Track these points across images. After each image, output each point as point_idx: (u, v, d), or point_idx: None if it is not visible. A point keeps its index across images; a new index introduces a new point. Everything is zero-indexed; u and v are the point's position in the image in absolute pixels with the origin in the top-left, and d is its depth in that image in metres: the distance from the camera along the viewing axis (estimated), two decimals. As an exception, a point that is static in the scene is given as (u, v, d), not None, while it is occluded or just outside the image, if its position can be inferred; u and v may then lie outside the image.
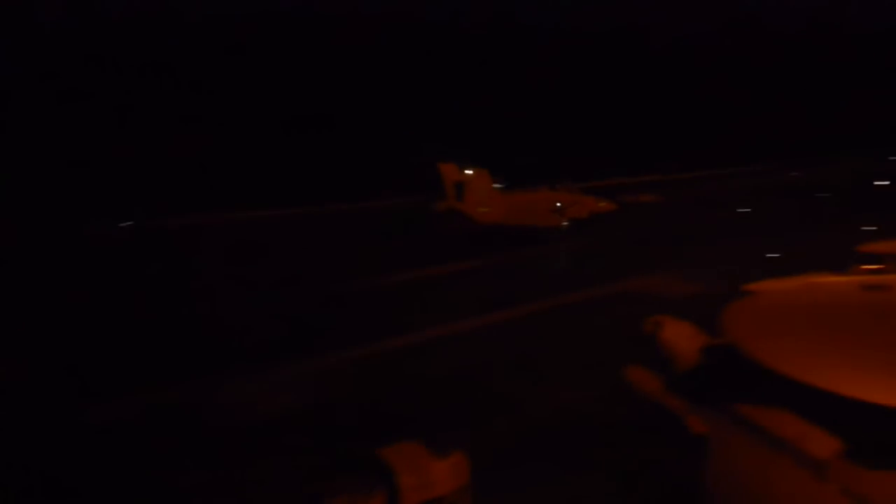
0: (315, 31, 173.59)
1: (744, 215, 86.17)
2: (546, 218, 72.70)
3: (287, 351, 42.16)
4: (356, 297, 52.95)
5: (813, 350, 20.41)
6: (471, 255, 64.14)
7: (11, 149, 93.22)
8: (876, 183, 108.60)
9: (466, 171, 70.85)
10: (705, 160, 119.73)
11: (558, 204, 74.52)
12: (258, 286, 55.65)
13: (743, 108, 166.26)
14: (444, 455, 24.40)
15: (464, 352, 42.21)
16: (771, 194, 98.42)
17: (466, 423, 31.93)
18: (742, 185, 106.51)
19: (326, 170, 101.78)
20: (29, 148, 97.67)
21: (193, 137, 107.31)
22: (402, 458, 24.13)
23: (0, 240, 64.54)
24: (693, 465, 22.77)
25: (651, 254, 66.05)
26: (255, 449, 31.25)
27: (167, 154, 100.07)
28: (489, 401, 35.14)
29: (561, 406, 33.90)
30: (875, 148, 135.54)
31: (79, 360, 41.17)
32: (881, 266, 46.03)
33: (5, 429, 32.02)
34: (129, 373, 39.07)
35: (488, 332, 46.07)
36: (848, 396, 18.03)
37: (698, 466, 22.59)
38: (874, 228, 66.33)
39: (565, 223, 73.70)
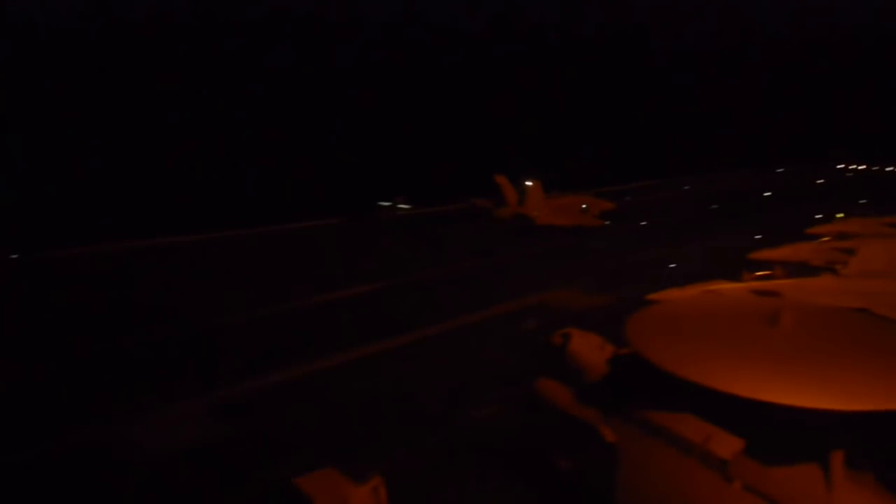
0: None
1: (644, 227, 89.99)
2: (583, 218, 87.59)
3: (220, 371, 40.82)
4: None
5: (712, 355, 21.36)
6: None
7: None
8: (765, 194, 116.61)
9: (527, 182, 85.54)
10: (599, 179, 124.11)
11: (584, 206, 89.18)
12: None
13: (632, 126, 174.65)
14: (362, 481, 24.08)
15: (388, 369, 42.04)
16: (667, 208, 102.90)
17: (383, 446, 31.63)
18: (637, 201, 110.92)
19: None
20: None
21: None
22: (319, 487, 23.64)
23: None
24: (607, 473, 23.35)
25: (557, 267, 67.71)
26: (166, 483, 29.93)
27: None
28: (409, 420, 34.97)
29: (478, 423, 34.10)
30: (761, 161, 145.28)
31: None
32: (770, 272, 49.23)
33: None
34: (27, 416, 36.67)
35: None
36: (745, 397, 18.94)
37: (612, 474, 23.18)
38: (760, 237, 71.08)
39: (607, 221, 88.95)
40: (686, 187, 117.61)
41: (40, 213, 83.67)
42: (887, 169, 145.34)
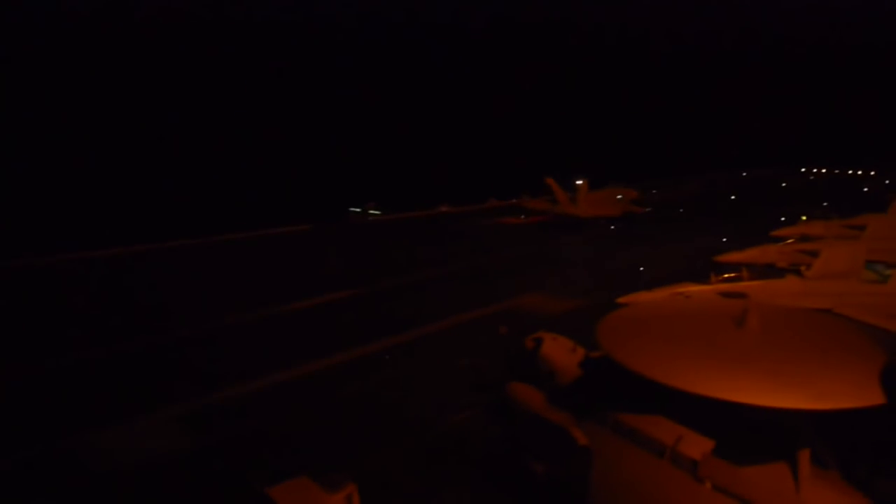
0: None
1: (612, 231, 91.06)
2: (627, 206, 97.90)
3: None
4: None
5: (680, 356, 21.62)
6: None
7: None
8: (732, 197, 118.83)
9: (577, 182, 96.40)
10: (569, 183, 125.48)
11: (619, 196, 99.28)
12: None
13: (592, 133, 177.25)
14: (335, 489, 23.88)
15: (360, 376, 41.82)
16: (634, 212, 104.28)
17: (359, 452, 31.45)
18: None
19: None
20: None
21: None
22: (292, 496, 23.38)
23: None
24: (580, 476, 23.48)
25: (529, 272, 68.05)
26: (135, 495, 29.43)
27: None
28: (380, 427, 34.82)
29: (454, 427, 34.08)
30: (726, 164, 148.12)
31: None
32: (736, 274, 50.08)
33: None
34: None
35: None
36: (713, 398, 19.20)
37: (585, 476, 23.32)
38: (726, 239, 72.28)
39: (648, 208, 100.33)
40: (654, 191, 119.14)
41: (14, 220, 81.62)
42: (849, 172, 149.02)
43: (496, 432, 29.22)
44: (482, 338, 47.12)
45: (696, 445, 20.54)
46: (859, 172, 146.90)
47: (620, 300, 44.84)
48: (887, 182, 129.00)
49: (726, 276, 49.51)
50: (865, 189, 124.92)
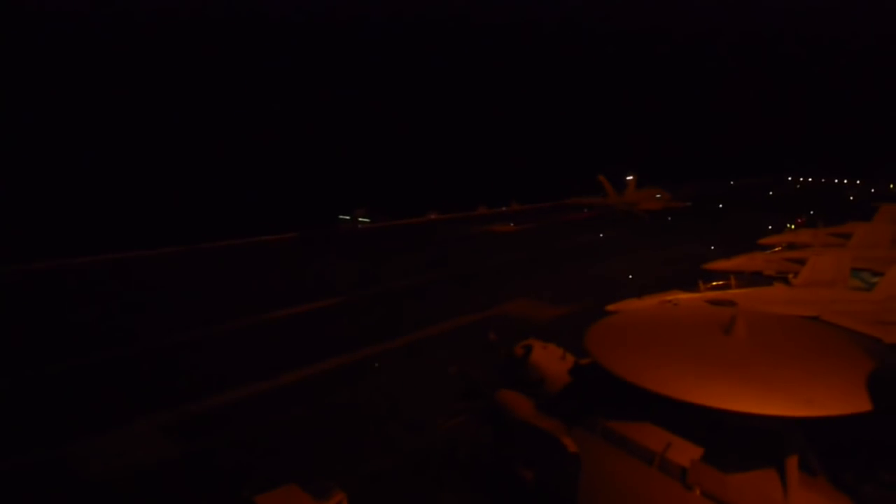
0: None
1: (601, 239, 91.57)
2: (669, 202, 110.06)
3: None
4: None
5: (669, 364, 21.65)
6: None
7: None
8: (719, 205, 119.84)
9: (628, 178, 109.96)
10: (553, 194, 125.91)
11: (657, 195, 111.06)
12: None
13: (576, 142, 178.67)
14: (323, 497, 23.79)
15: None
16: (619, 220, 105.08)
17: (348, 460, 31.33)
18: (591, 215, 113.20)
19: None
20: None
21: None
22: (280, 504, 23.30)
23: None
24: (570, 483, 23.47)
25: (518, 278, 68.22)
26: (128, 503, 29.20)
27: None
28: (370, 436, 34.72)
29: (438, 435, 33.98)
30: (714, 173, 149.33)
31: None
32: (724, 282, 50.36)
33: None
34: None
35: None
36: (702, 405, 19.25)
37: (575, 484, 23.31)
38: (714, 247, 72.77)
39: (688, 202, 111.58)
40: None
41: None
42: (835, 181, 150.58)
43: (486, 439, 29.16)
44: (472, 344, 47.23)
45: (685, 452, 20.58)
46: (845, 181, 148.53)
47: (610, 307, 44.98)
48: (872, 191, 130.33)
49: (714, 283, 49.76)
50: (851, 198, 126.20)
